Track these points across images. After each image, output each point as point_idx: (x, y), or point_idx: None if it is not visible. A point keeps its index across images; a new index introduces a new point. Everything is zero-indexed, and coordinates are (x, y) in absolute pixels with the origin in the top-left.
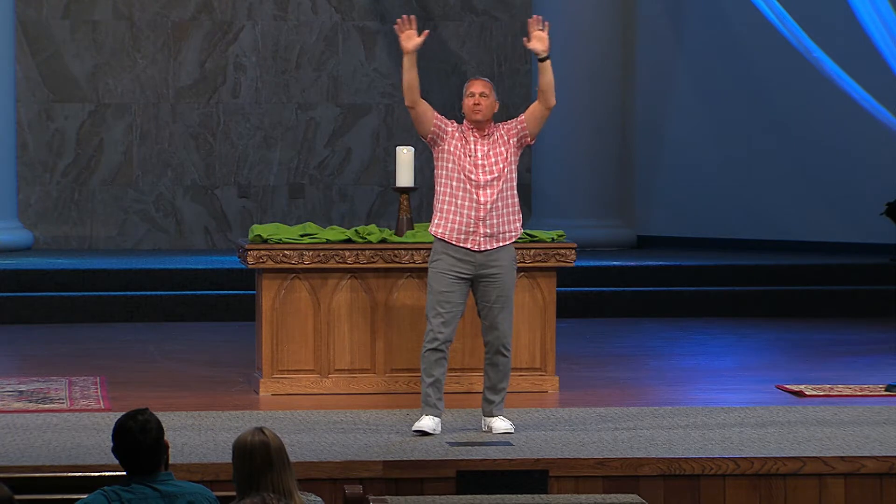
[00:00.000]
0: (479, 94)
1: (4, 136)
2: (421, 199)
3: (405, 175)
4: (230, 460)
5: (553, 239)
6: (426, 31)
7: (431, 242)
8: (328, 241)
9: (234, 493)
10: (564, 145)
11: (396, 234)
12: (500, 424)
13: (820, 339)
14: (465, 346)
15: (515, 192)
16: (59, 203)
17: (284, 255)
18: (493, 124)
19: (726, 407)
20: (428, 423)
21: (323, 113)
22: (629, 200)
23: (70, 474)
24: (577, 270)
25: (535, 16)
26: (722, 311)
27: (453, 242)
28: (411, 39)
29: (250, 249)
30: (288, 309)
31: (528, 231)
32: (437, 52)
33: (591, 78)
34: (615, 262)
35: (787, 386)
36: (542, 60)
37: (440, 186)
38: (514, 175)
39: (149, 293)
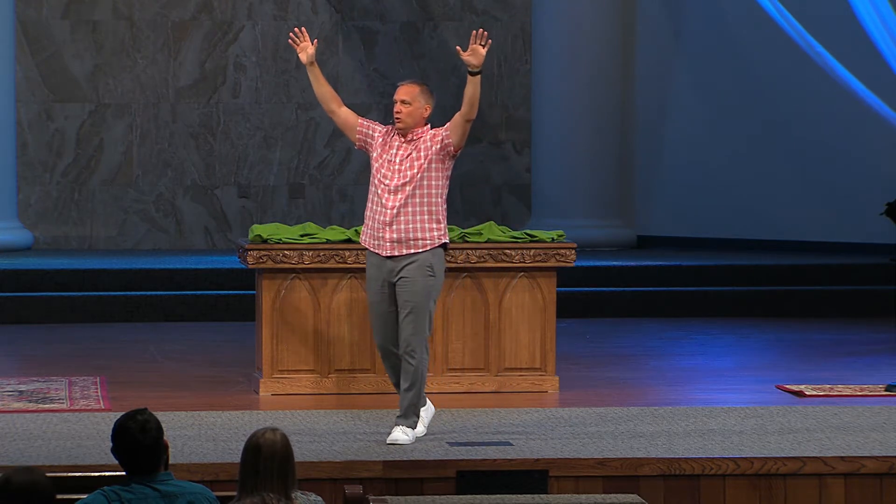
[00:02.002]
0: (400, 101)
1: (4, 136)
2: None
3: None
4: (230, 460)
5: (553, 239)
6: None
7: None
8: (328, 241)
9: (234, 493)
10: (564, 145)
11: None
12: (396, 435)
13: (820, 339)
14: (465, 346)
15: (437, 200)
16: (59, 203)
17: (284, 255)
18: (425, 129)
19: (726, 407)
20: (398, 434)
21: (323, 113)
22: (629, 200)
23: (70, 474)
24: (577, 270)
25: (480, 30)
26: (722, 311)
27: (371, 249)
28: (305, 51)
29: (250, 249)
30: (288, 309)
31: (528, 231)
32: (437, 52)
33: (591, 78)
34: (615, 262)
35: (787, 386)
36: (473, 74)
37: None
38: (437, 182)
39: (149, 293)
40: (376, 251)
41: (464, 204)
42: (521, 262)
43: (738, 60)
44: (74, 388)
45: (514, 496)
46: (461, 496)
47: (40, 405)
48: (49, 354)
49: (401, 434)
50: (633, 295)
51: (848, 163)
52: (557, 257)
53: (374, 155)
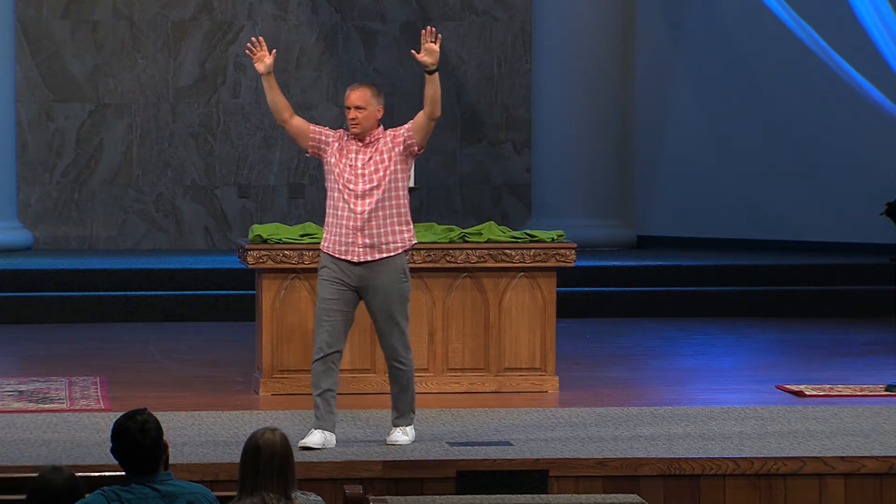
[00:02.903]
0: (354, 107)
1: (4, 136)
2: (421, 199)
3: None
4: (230, 460)
5: (553, 239)
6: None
7: (430, 243)
8: None
9: (234, 493)
10: (564, 145)
11: None
12: (396, 436)
13: (820, 339)
14: (464, 346)
15: (403, 201)
16: (59, 203)
17: (284, 255)
18: (379, 130)
19: (726, 407)
20: (315, 438)
21: (323, 113)
22: (629, 200)
23: None
24: (577, 270)
25: (428, 27)
26: (722, 311)
27: (336, 255)
28: (262, 61)
29: (250, 249)
30: (288, 309)
31: (528, 231)
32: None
33: (591, 78)
34: (615, 262)
35: (787, 386)
36: (430, 73)
37: (327, 199)
38: (402, 184)
39: (149, 293)
40: (344, 257)
41: (464, 204)
42: (521, 262)
43: (738, 60)
44: (74, 388)
45: (514, 496)
46: (461, 496)
47: (40, 405)
48: (49, 354)
49: (400, 435)
50: (633, 295)
51: (848, 163)
52: (557, 257)
53: (332, 161)
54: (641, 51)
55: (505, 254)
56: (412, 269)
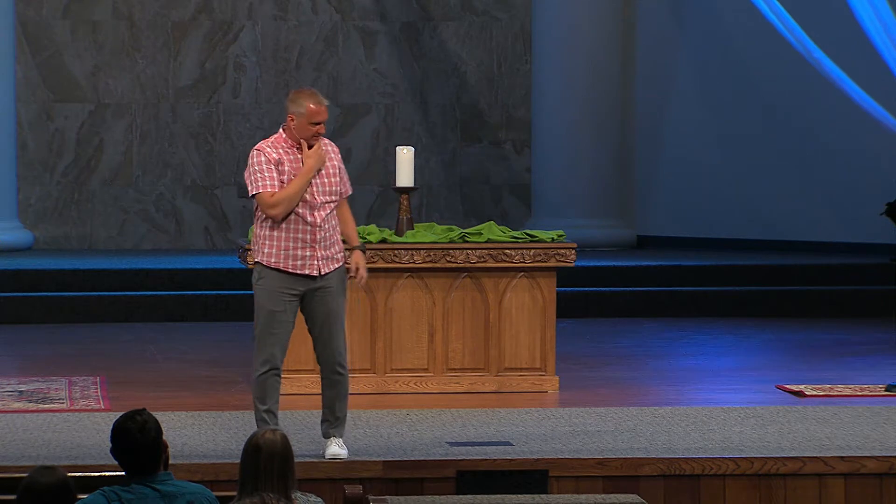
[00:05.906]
0: (323, 122)
1: (4, 136)
2: (421, 199)
3: (405, 175)
4: (230, 460)
5: (553, 239)
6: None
7: (430, 243)
8: None
9: (233, 493)
10: (564, 145)
11: (396, 234)
12: (333, 449)
13: (820, 339)
14: (465, 346)
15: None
16: (59, 203)
17: None
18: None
19: (726, 407)
20: (338, 450)
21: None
22: (629, 200)
23: (70, 474)
24: (577, 270)
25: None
26: (722, 311)
27: (290, 270)
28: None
29: (250, 249)
30: None
31: (528, 231)
32: (437, 52)
33: (590, 77)
34: (615, 262)
35: (787, 386)
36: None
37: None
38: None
39: (149, 293)
40: (301, 272)
41: (464, 204)
42: (521, 262)
43: (738, 61)
44: (74, 388)
45: (514, 496)
46: (461, 496)
47: (40, 405)
48: (49, 354)
49: (338, 448)
50: (633, 295)
51: (848, 163)
52: (557, 257)
53: (287, 179)
54: (641, 51)
55: (505, 254)
56: (411, 269)
